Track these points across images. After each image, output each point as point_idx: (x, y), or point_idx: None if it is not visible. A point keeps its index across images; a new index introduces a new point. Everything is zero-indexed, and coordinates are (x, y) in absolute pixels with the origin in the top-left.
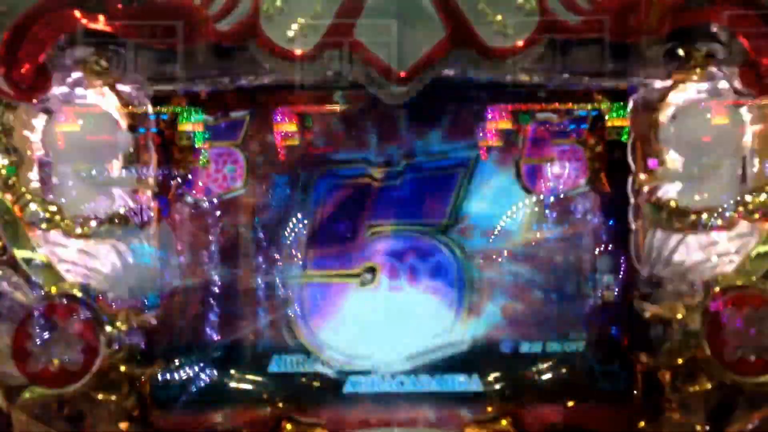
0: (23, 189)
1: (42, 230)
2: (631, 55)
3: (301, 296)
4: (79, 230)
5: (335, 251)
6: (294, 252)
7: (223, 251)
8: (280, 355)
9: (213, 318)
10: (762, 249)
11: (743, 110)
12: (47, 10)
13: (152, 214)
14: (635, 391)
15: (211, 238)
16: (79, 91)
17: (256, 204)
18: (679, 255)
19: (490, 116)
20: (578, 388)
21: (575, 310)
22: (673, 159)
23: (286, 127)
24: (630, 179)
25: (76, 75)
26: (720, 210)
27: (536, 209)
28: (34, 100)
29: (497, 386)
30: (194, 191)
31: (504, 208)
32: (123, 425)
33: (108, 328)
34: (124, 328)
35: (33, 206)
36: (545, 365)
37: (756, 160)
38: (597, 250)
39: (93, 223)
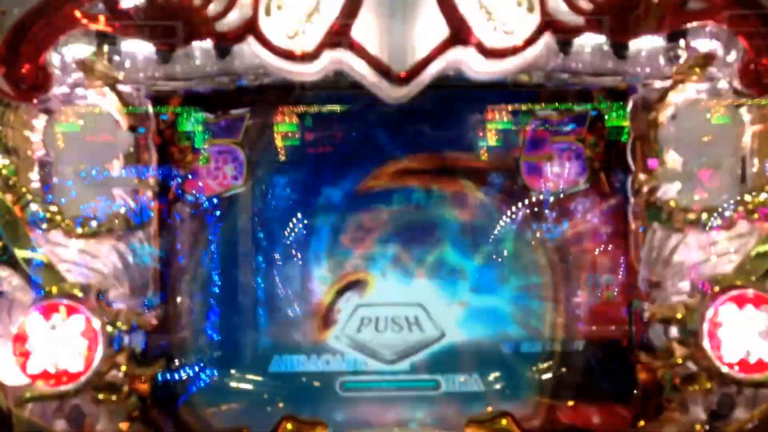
0: (24, 189)
1: (42, 230)
2: (630, 55)
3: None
4: (79, 230)
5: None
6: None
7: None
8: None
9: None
10: (761, 249)
11: (743, 110)
12: (48, 10)
13: (152, 214)
14: (635, 391)
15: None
16: (79, 91)
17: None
18: (679, 255)
19: (489, 116)
20: (578, 388)
21: (575, 310)
22: (673, 159)
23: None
24: (630, 179)
25: (76, 75)
26: (720, 210)
27: (536, 208)
28: (35, 100)
29: (497, 386)
30: (194, 190)
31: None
32: (123, 425)
33: (108, 328)
34: (124, 328)
35: (33, 206)
36: (545, 365)
37: (755, 160)
38: (596, 249)
39: (93, 223)
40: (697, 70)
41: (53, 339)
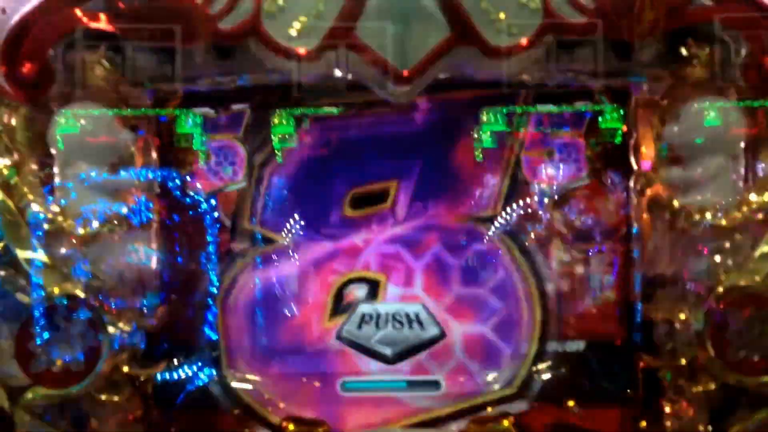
0: (25, 190)
1: (43, 231)
2: (633, 55)
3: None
4: (80, 231)
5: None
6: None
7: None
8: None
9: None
10: (765, 249)
11: (746, 110)
12: (48, 9)
13: (152, 214)
14: (638, 391)
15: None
16: (80, 91)
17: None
18: (682, 255)
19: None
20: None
21: (577, 310)
22: (675, 158)
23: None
24: (632, 178)
25: (77, 75)
26: (723, 209)
27: (536, 209)
28: (35, 101)
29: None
30: (194, 189)
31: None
32: (125, 425)
33: (110, 329)
34: (126, 328)
35: (34, 207)
36: (545, 365)
37: (759, 160)
38: (598, 249)
39: (94, 224)
40: (700, 69)
41: (55, 340)
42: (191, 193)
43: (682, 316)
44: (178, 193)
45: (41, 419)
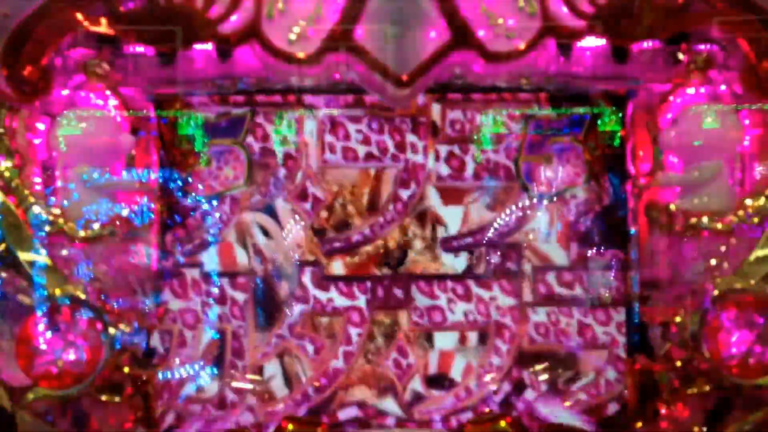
0: (26, 192)
1: (45, 232)
2: (631, 59)
3: None
4: (81, 232)
5: None
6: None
7: None
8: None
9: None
10: (760, 253)
11: (742, 114)
12: (50, 12)
13: (153, 216)
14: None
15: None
16: (81, 93)
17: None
18: (678, 258)
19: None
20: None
21: (574, 312)
22: (672, 162)
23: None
24: (629, 182)
25: (78, 78)
26: (719, 213)
27: (534, 211)
28: (37, 103)
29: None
30: (195, 192)
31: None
32: (126, 425)
33: (111, 330)
34: (126, 329)
35: (36, 209)
36: (542, 366)
37: (755, 164)
38: (596, 252)
39: (95, 226)
40: (697, 73)
41: (56, 340)
42: (192, 194)
43: (678, 319)
44: (180, 193)
45: (43, 419)
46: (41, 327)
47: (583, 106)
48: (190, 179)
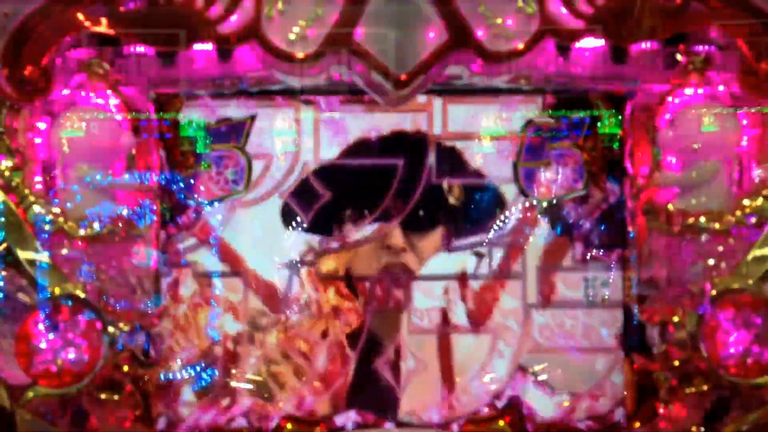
0: (27, 191)
1: (46, 232)
2: (629, 60)
3: None
4: (82, 232)
5: None
6: None
7: None
8: None
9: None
10: (758, 253)
11: (740, 115)
12: (51, 12)
13: (155, 216)
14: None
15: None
16: (82, 94)
17: None
18: (677, 258)
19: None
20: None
21: (572, 312)
22: (671, 163)
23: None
24: (627, 183)
25: (79, 78)
26: (717, 213)
27: (533, 212)
28: (37, 103)
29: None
30: (196, 194)
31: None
32: (126, 424)
33: (111, 329)
34: (126, 329)
35: (37, 208)
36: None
37: (753, 165)
38: (594, 253)
39: (96, 226)
40: (696, 74)
41: (56, 339)
42: (194, 196)
43: (676, 319)
44: (181, 195)
45: (42, 418)
46: (41, 326)
47: (581, 107)
48: (191, 180)
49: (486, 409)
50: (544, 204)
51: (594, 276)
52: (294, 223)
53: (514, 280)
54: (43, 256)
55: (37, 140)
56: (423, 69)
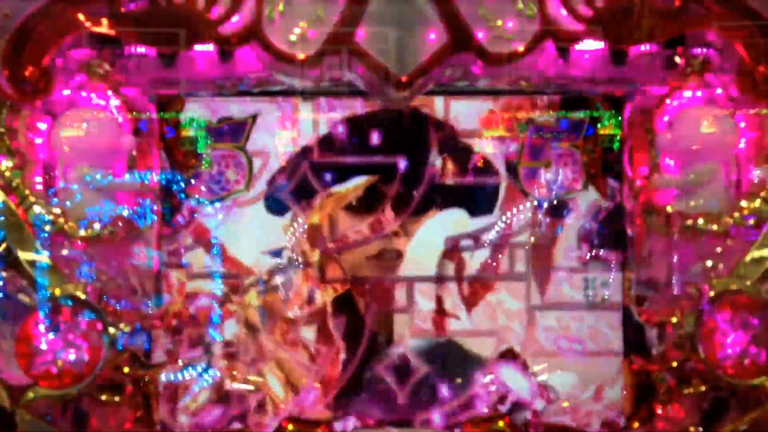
0: (27, 191)
1: (46, 232)
2: (628, 62)
3: None
4: (82, 233)
5: None
6: None
7: None
8: None
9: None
10: (756, 254)
11: (738, 117)
12: (51, 13)
13: (155, 217)
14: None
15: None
16: (82, 94)
17: None
18: (675, 259)
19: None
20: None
21: (572, 313)
22: (669, 165)
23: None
24: (626, 184)
25: (79, 78)
26: (715, 215)
27: (533, 213)
28: (38, 103)
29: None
30: (197, 194)
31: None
32: (126, 425)
33: (111, 330)
34: (127, 329)
35: (37, 208)
36: (541, 367)
37: (751, 167)
38: (593, 254)
39: (96, 226)
40: (694, 77)
41: (56, 340)
42: (194, 196)
43: (674, 320)
44: (182, 195)
45: (42, 419)
46: (41, 327)
47: (581, 109)
48: (192, 180)
49: (486, 410)
50: (545, 203)
51: (593, 277)
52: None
53: (517, 282)
54: (43, 257)
55: (38, 140)
56: (423, 70)
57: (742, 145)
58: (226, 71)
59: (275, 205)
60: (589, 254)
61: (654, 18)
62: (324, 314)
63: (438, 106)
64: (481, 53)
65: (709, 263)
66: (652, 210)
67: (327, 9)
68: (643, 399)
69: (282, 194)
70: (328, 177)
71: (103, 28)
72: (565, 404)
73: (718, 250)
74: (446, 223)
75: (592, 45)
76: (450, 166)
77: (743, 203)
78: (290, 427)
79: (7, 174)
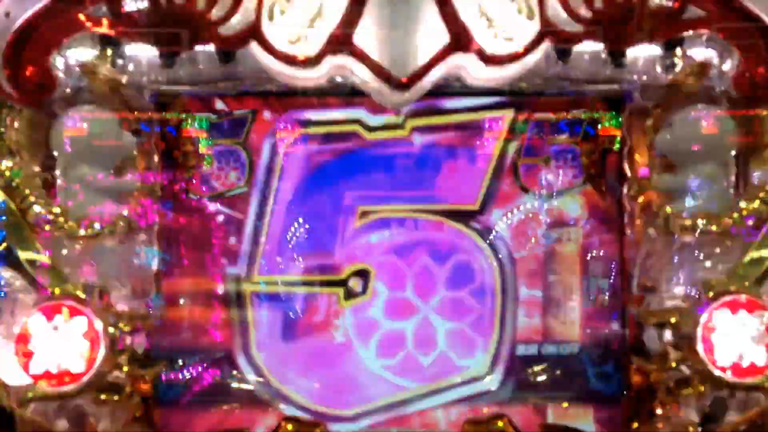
0: (27, 191)
1: (46, 232)
2: (627, 63)
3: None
4: (82, 232)
5: (308, 247)
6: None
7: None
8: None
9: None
10: (755, 255)
11: (737, 118)
12: (52, 13)
13: (156, 216)
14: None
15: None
16: (83, 94)
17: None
18: (674, 260)
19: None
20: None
21: (571, 314)
22: (668, 166)
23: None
24: (625, 185)
25: (80, 78)
26: (714, 216)
27: (533, 213)
28: (39, 103)
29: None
30: (197, 192)
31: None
32: (125, 425)
33: (111, 329)
34: (127, 329)
35: (37, 208)
36: (541, 367)
37: (749, 168)
38: (593, 254)
39: (97, 225)
40: (693, 78)
41: (56, 340)
42: (195, 194)
43: (673, 320)
44: (182, 194)
45: (42, 418)
46: (41, 326)
47: (580, 109)
48: (193, 180)
49: (485, 409)
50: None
51: (593, 277)
52: None
53: None
54: (44, 256)
55: (39, 140)
56: (423, 72)
57: (741, 146)
58: (226, 72)
59: None
60: (587, 254)
61: (653, 19)
62: None
63: None
64: (480, 55)
65: (707, 264)
66: (652, 210)
67: (328, 9)
68: (642, 399)
69: None
70: None
71: (104, 28)
72: (565, 405)
73: (718, 250)
74: None
75: (591, 46)
76: None
77: (742, 204)
78: (289, 426)
79: (7, 174)
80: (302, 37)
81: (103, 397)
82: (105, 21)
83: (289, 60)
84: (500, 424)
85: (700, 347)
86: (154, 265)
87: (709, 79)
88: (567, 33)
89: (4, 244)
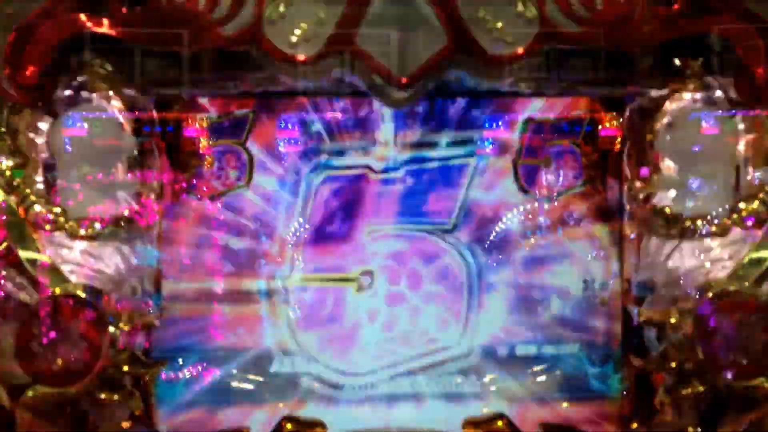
0: (28, 191)
1: (46, 231)
2: (628, 64)
3: (298, 299)
4: (83, 232)
5: (331, 253)
6: (290, 253)
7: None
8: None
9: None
10: (754, 255)
11: (737, 119)
12: (53, 12)
13: (156, 216)
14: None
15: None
16: (84, 94)
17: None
18: (673, 261)
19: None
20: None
21: (571, 314)
22: (668, 167)
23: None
24: (625, 186)
25: (80, 78)
26: (714, 217)
27: (533, 214)
28: (39, 103)
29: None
30: (197, 192)
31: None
32: (126, 425)
33: (111, 329)
34: (127, 328)
35: (37, 208)
36: (540, 367)
37: (749, 169)
38: (592, 254)
39: (97, 225)
40: (693, 79)
41: (57, 339)
42: (195, 194)
43: (673, 320)
44: (183, 194)
45: (42, 418)
46: (41, 325)
47: (581, 110)
48: (193, 180)
49: (485, 410)
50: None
51: (592, 277)
52: None
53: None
54: (44, 256)
55: (39, 140)
56: (423, 72)
57: (741, 147)
58: (227, 72)
59: None
60: (587, 254)
61: (653, 20)
62: None
63: None
64: (481, 55)
65: (707, 264)
66: (651, 211)
67: (328, 10)
68: (642, 399)
69: None
70: None
71: (105, 28)
72: (565, 405)
73: (717, 250)
74: None
75: (591, 47)
76: None
77: (742, 205)
78: (289, 426)
79: (8, 173)
80: (303, 37)
81: (103, 396)
82: (106, 21)
83: (290, 60)
84: (500, 424)
85: (699, 347)
86: (155, 265)
87: (709, 79)
88: (567, 34)
89: (5, 244)
